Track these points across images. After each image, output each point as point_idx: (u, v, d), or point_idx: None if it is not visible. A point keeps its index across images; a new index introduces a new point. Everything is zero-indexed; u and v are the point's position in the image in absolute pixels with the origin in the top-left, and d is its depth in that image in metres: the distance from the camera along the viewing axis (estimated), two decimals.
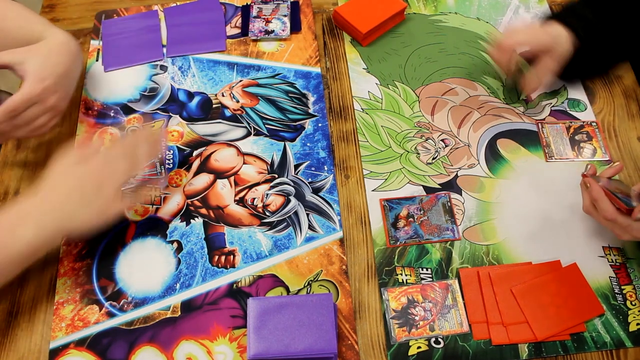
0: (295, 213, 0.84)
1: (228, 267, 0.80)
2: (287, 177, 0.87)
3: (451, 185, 0.86)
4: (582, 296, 0.75)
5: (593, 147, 0.89)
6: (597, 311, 0.75)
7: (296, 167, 0.88)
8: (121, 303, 0.77)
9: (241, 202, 0.85)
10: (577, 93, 0.95)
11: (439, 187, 0.86)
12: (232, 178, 0.87)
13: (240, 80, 0.97)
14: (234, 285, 0.78)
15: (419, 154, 0.89)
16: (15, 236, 0.68)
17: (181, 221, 0.84)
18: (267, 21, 1.03)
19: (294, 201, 0.85)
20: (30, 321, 0.77)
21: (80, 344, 0.75)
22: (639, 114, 0.92)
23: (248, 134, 0.91)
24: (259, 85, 0.97)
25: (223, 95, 0.96)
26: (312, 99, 0.95)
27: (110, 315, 0.77)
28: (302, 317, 0.71)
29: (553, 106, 0.93)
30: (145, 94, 0.96)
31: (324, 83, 0.97)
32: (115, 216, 0.74)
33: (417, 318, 0.75)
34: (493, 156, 0.89)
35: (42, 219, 0.69)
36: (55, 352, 0.74)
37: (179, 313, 0.77)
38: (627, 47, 0.90)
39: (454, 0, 1.07)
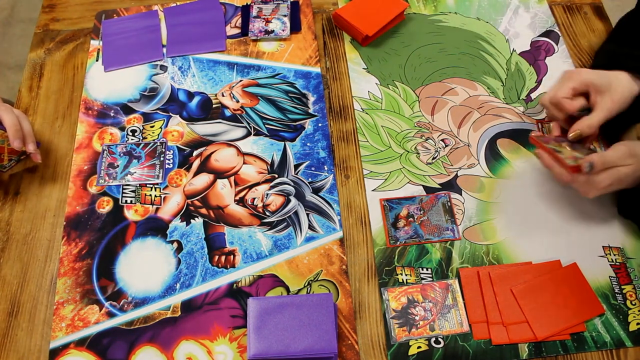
0: (295, 213, 0.84)
1: (228, 267, 0.80)
2: (287, 177, 0.87)
3: (451, 185, 0.86)
4: (582, 296, 0.75)
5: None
6: (597, 311, 0.75)
7: (296, 167, 0.88)
8: (121, 303, 0.77)
9: (241, 202, 0.85)
10: None
11: (439, 187, 0.86)
12: (232, 178, 0.87)
13: (240, 80, 0.97)
14: (234, 285, 0.78)
15: (419, 153, 0.89)
16: None
17: (181, 221, 0.84)
18: (267, 21, 1.03)
19: (294, 201, 0.85)
20: (30, 321, 0.77)
21: (80, 344, 0.75)
22: None
23: (248, 134, 0.91)
24: (259, 85, 0.97)
25: (223, 95, 0.96)
26: (312, 99, 0.95)
27: (110, 315, 0.77)
28: (302, 317, 0.71)
29: None
30: (145, 94, 0.96)
31: (324, 83, 0.97)
32: None
33: (417, 318, 0.75)
34: (493, 156, 0.89)
35: None
36: (55, 352, 0.74)
37: (179, 313, 0.77)
38: None
39: (454, 0, 1.07)
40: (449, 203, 0.84)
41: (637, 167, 0.72)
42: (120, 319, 0.76)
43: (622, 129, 0.87)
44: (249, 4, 1.06)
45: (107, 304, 0.77)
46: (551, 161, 0.76)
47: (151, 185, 0.87)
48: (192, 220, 0.84)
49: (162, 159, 0.89)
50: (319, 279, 0.79)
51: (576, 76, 0.79)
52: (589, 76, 0.78)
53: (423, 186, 0.86)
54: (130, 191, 0.86)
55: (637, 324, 0.74)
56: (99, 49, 1.02)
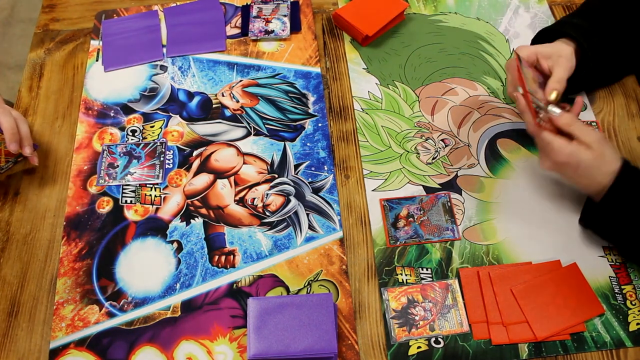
0: (295, 213, 0.84)
1: (228, 267, 0.80)
2: (287, 177, 0.87)
3: (451, 185, 0.86)
4: (582, 296, 0.75)
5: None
6: (597, 311, 0.75)
7: (296, 167, 0.88)
8: (121, 303, 0.77)
9: (241, 202, 0.85)
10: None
11: (439, 187, 0.86)
12: (232, 178, 0.87)
13: (240, 80, 0.97)
14: (234, 285, 0.78)
15: (419, 154, 0.89)
16: None
17: (181, 221, 0.84)
18: (267, 21, 1.03)
19: (294, 201, 0.85)
20: (30, 321, 0.77)
21: (80, 344, 0.75)
22: (639, 114, 0.92)
23: (248, 134, 0.91)
24: (259, 85, 0.97)
25: (223, 95, 0.96)
26: (312, 99, 0.95)
27: (110, 315, 0.77)
28: (302, 317, 0.71)
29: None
30: (145, 94, 0.96)
31: (324, 83, 0.97)
32: None
33: (417, 318, 0.75)
34: (493, 156, 0.89)
35: None
36: (55, 352, 0.74)
37: (179, 313, 0.77)
38: (627, 55, 0.89)
39: (454, 0, 1.07)
40: (449, 203, 0.84)
41: (595, 160, 0.71)
42: (120, 319, 0.76)
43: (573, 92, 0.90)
44: (249, 4, 1.06)
45: (107, 304, 0.77)
46: (525, 107, 0.76)
47: (151, 185, 0.87)
48: (192, 220, 0.84)
49: (162, 159, 0.89)
50: (319, 279, 0.79)
51: (525, 48, 0.83)
52: (534, 48, 0.83)
53: (423, 186, 0.86)
54: (130, 191, 0.86)
55: (637, 324, 0.74)
56: (99, 49, 1.02)
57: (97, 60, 1.00)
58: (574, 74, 0.83)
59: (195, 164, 0.89)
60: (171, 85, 0.97)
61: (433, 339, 0.74)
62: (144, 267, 0.80)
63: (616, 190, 0.71)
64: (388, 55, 1.00)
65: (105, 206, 0.85)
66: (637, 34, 0.87)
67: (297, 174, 0.87)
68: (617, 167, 0.71)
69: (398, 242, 0.81)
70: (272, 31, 1.02)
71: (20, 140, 0.83)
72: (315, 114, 0.93)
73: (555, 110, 0.74)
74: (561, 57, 0.81)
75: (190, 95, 0.96)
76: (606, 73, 0.90)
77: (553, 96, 0.77)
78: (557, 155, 0.72)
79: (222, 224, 0.83)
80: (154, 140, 0.91)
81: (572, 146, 0.72)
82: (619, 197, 0.71)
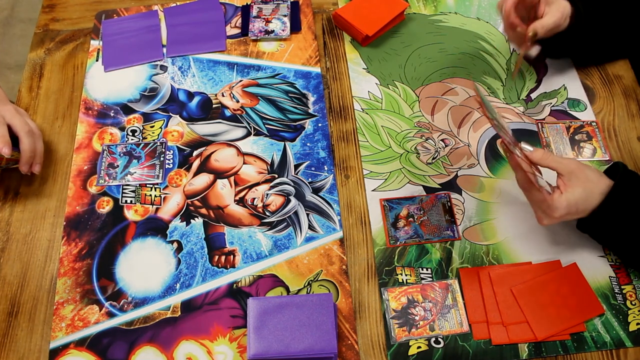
0: (295, 213, 0.84)
1: (228, 267, 0.80)
2: (287, 177, 0.87)
3: (451, 185, 0.86)
4: (582, 296, 0.75)
5: (593, 146, 0.89)
6: (597, 311, 0.75)
7: (296, 167, 0.88)
8: (121, 303, 0.77)
9: (241, 202, 0.85)
10: (577, 93, 0.95)
11: (439, 187, 0.86)
12: (232, 178, 0.87)
13: (240, 80, 0.97)
14: (234, 285, 0.79)
15: (419, 154, 0.89)
16: None
17: (181, 221, 0.84)
18: (267, 21, 1.03)
19: (294, 201, 0.85)
20: (30, 321, 0.77)
21: (80, 344, 0.75)
22: (639, 113, 0.92)
23: (248, 134, 0.91)
24: (259, 85, 0.97)
25: (223, 95, 0.96)
26: (312, 99, 0.95)
27: (110, 315, 0.77)
28: (302, 317, 0.71)
29: (553, 106, 0.93)
30: (145, 94, 0.96)
31: (324, 83, 0.97)
32: None
33: (417, 318, 0.75)
34: (493, 156, 0.89)
35: None
36: (55, 352, 0.74)
37: (179, 313, 0.77)
38: (619, 30, 0.90)
39: (454, 0, 1.07)
40: (449, 203, 0.84)
41: (586, 190, 0.71)
42: (120, 319, 0.76)
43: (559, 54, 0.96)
44: (249, 4, 1.06)
45: (107, 304, 0.77)
46: (517, 165, 0.74)
47: (151, 185, 0.87)
48: (192, 220, 0.84)
49: (162, 159, 0.89)
50: (319, 279, 0.79)
51: None
52: None
53: (423, 186, 0.86)
54: (130, 191, 0.86)
55: (637, 324, 0.74)
56: (99, 49, 1.02)
57: (97, 60, 1.00)
58: (564, 35, 0.86)
59: (195, 164, 0.89)
60: (171, 85, 0.97)
61: (433, 339, 0.74)
62: (144, 267, 0.80)
63: (612, 198, 0.71)
64: (388, 55, 1.00)
65: (105, 206, 0.85)
66: (631, 10, 0.88)
67: (297, 174, 0.87)
68: (605, 184, 0.71)
69: (398, 242, 0.81)
70: (272, 31, 1.02)
71: (33, 158, 0.84)
72: (315, 114, 0.93)
73: (527, 147, 0.73)
74: (559, 7, 0.84)
75: (190, 95, 0.96)
76: (596, 45, 0.92)
77: (531, 34, 0.82)
78: (556, 212, 0.71)
79: (222, 224, 0.83)
80: (154, 140, 0.91)
81: (564, 197, 0.71)
82: (615, 204, 0.71)
